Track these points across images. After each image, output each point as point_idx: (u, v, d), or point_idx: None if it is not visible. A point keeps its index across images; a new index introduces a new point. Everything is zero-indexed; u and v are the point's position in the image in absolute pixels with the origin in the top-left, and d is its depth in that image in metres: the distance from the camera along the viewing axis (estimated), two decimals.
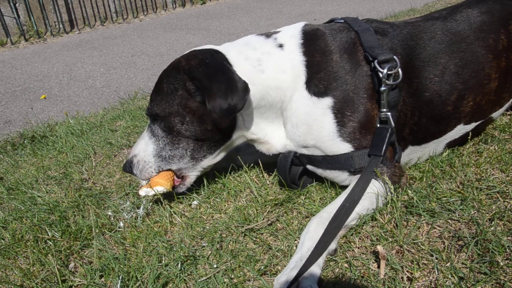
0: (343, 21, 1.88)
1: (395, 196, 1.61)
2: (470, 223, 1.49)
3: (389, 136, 1.62)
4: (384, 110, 1.65)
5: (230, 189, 1.93)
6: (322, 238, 1.36)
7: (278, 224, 1.67)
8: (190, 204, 1.88)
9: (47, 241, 1.73)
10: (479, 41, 1.85)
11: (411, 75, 1.74)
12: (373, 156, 1.63)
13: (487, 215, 1.50)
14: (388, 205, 1.59)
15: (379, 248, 1.36)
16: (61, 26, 8.03)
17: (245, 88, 1.57)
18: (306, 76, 1.70)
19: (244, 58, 1.71)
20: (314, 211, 1.68)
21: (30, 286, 1.51)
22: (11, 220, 1.94)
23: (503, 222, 1.46)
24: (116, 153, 2.63)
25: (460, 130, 1.90)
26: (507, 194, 1.60)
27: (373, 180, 1.60)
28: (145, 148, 1.80)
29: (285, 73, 1.70)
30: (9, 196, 2.23)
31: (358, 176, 1.66)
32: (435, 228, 1.50)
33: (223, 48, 1.77)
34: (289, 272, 1.32)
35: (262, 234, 1.62)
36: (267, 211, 1.72)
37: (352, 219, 1.52)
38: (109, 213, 1.90)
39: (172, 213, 1.81)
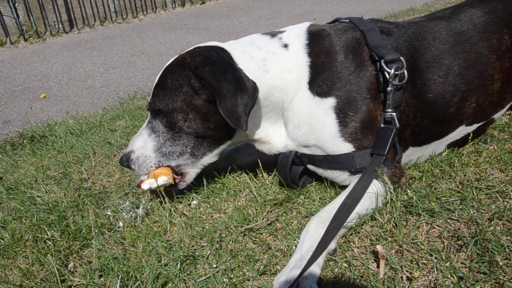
0: (348, 20, 1.88)
1: (395, 196, 1.61)
2: (469, 222, 1.49)
3: (393, 136, 1.63)
4: (389, 110, 1.65)
5: (229, 189, 1.93)
6: (323, 237, 1.36)
7: (278, 224, 1.67)
8: (190, 204, 1.88)
9: (47, 241, 1.73)
10: (483, 42, 1.85)
11: (415, 76, 1.73)
12: (376, 155, 1.63)
13: (487, 214, 1.50)
14: (388, 205, 1.59)
15: (379, 247, 1.36)
16: (60, 26, 8.02)
17: (254, 88, 1.57)
18: (310, 77, 1.69)
19: (249, 57, 1.70)
20: (314, 211, 1.68)
21: (30, 286, 1.51)
22: (10, 220, 1.93)
23: (502, 221, 1.47)
24: (116, 153, 2.63)
25: (461, 131, 1.90)
26: (507, 193, 1.60)
27: (373, 180, 1.60)
28: (143, 145, 1.79)
29: (290, 73, 1.69)
30: (8, 196, 2.23)
31: (358, 176, 1.66)
32: (434, 227, 1.50)
33: (228, 46, 1.75)
34: (289, 271, 1.32)
35: (261, 234, 1.62)
36: (266, 211, 1.72)
37: (352, 219, 1.52)
38: (109, 213, 1.90)
39: (172, 212, 1.81)
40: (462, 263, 1.33)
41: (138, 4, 9.10)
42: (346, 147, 1.67)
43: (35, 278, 1.53)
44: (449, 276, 1.28)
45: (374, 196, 1.58)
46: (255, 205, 1.77)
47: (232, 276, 1.42)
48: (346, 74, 1.68)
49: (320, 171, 1.78)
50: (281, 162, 1.80)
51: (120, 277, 1.45)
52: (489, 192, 1.63)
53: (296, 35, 1.78)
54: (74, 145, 2.87)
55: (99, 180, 2.28)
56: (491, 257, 1.30)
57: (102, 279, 1.50)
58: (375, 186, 1.60)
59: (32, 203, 2.08)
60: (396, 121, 1.64)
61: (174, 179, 1.82)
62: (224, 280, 1.41)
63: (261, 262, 1.47)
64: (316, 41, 1.75)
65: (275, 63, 1.70)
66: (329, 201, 1.70)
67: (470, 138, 1.93)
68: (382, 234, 1.49)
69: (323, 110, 1.67)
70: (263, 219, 1.67)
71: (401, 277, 1.31)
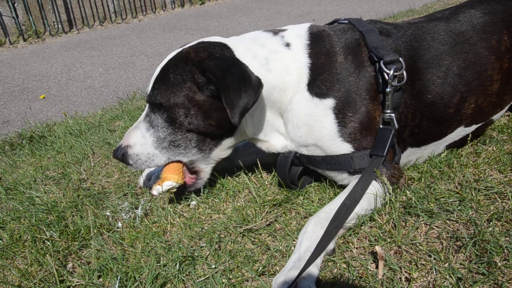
0: (347, 21, 1.88)
1: (394, 197, 1.61)
2: (468, 223, 1.49)
3: (392, 137, 1.63)
4: (388, 111, 1.65)
5: (228, 189, 1.93)
6: (322, 238, 1.36)
7: (277, 225, 1.67)
8: (189, 205, 1.88)
9: (45, 241, 1.73)
10: (482, 42, 1.85)
11: (414, 77, 1.74)
12: (375, 156, 1.63)
13: (485, 215, 1.50)
14: (387, 206, 1.59)
15: (378, 248, 1.36)
16: (59, 26, 8.02)
17: (259, 83, 1.56)
18: (309, 78, 1.69)
19: (252, 55, 1.70)
20: (313, 211, 1.68)
21: (28, 286, 1.50)
22: (9, 220, 1.93)
23: (501, 222, 1.47)
24: None
25: (460, 132, 1.90)
26: (505, 194, 1.60)
27: (372, 181, 1.60)
28: (142, 141, 1.75)
29: (290, 74, 1.69)
30: (7, 196, 2.23)
31: (357, 176, 1.66)
32: (433, 228, 1.50)
33: (232, 43, 1.74)
34: (287, 272, 1.32)
35: (260, 234, 1.62)
36: (265, 211, 1.72)
37: (350, 219, 1.52)
38: (108, 213, 1.90)
39: (171, 213, 1.81)
40: (460, 264, 1.33)
41: (137, 5, 9.10)
42: (345, 148, 1.67)
43: (33, 278, 1.53)
44: (447, 277, 1.28)
45: (373, 197, 1.58)
46: (254, 206, 1.77)
47: (231, 276, 1.42)
48: (346, 75, 1.69)
49: (319, 170, 1.79)
50: (280, 163, 1.80)
51: (119, 278, 1.45)
52: (488, 193, 1.63)
53: (297, 34, 1.78)
54: (73, 146, 2.87)
55: (98, 181, 2.28)
56: (489, 258, 1.30)
57: (101, 279, 1.50)
58: (374, 187, 1.60)
59: (31, 203, 2.08)
60: (395, 122, 1.64)
61: (185, 177, 1.80)
62: (223, 280, 1.41)
63: (260, 263, 1.47)
64: (317, 41, 1.75)
65: (277, 63, 1.70)
66: (328, 202, 1.70)
67: (469, 139, 1.93)
68: (381, 234, 1.49)
69: (322, 110, 1.67)
70: (262, 219, 1.67)
71: (400, 278, 1.31)
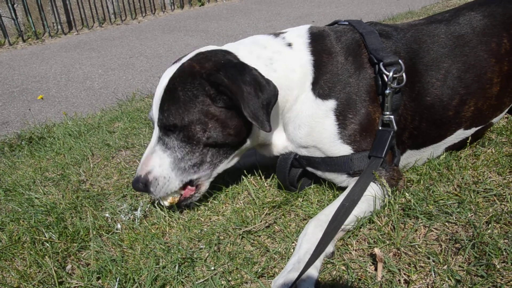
0: (347, 23, 1.89)
1: (393, 199, 1.62)
2: (467, 226, 1.49)
3: (391, 139, 1.63)
4: (388, 113, 1.66)
5: (227, 191, 1.93)
6: (321, 240, 1.36)
7: (276, 227, 1.67)
8: (188, 206, 1.88)
9: (44, 242, 1.73)
10: (482, 45, 1.85)
11: (413, 79, 1.74)
12: (374, 157, 1.63)
13: (484, 218, 1.50)
14: (386, 208, 1.60)
15: (377, 250, 1.36)
16: (59, 27, 8.02)
17: (274, 87, 1.56)
18: (313, 77, 1.70)
19: (256, 57, 1.69)
20: (312, 213, 1.68)
21: None
22: (8, 222, 1.93)
23: (500, 225, 1.47)
24: (114, 154, 2.63)
25: (460, 135, 1.91)
26: (504, 197, 1.61)
27: (371, 183, 1.60)
28: (160, 163, 1.68)
29: (295, 72, 1.69)
30: (6, 198, 2.23)
31: (356, 178, 1.66)
32: (432, 231, 1.51)
33: (231, 48, 1.73)
34: (287, 274, 1.32)
35: (259, 236, 1.62)
36: (264, 213, 1.73)
37: (350, 221, 1.52)
38: (107, 214, 1.90)
39: (170, 215, 1.81)
40: (459, 266, 1.33)
41: (137, 6, 9.11)
42: (344, 149, 1.67)
43: (32, 280, 1.53)
44: (446, 279, 1.28)
45: (372, 199, 1.59)
46: (253, 208, 1.77)
47: (230, 278, 1.42)
48: (346, 76, 1.69)
49: (319, 173, 1.79)
50: (280, 165, 1.80)
51: (118, 280, 1.45)
52: (487, 195, 1.63)
53: (298, 34, 1.79)
54: (73, 147, 2.87)
55: (97, 182, 2.28)
56: (488, 260, 1.31)
57: (100, 281, 1.50)
58: (373, 189, 1.60)
59: (30, 204, 2.08)
60: (394, 124, 1.65)
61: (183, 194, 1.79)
62: (222, 282, 1.41)
63: (259, 265, 1.47)
64: (318, 40, 1.76)
65: (281, 62, 1.70)
66: (327, 204, 1.70)
67: (468, 141, 1.94)
68: (380, 237, 1.49)
69: (323, 112, 1.67)
70: (261, 221, 1.67)
71: (399, 280, 1.32)
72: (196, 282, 1.42)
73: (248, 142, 1.76)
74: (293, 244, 1.55)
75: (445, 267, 1.32)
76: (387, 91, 1.64)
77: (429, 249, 1.41)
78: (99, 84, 5.15)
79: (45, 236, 1.76)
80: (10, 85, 5.37)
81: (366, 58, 1.73)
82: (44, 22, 7.79)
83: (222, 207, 1.85)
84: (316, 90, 1.69)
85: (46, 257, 1.63)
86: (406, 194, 1.66)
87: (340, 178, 1.73)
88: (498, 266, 1.28)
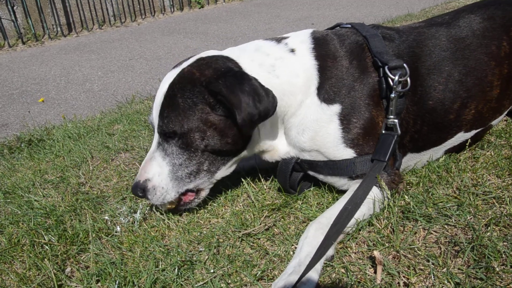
0: (350, 26, 1.88)
1: (392, 202, 1.62)
2: (466, 228, 1.50)
3: (394, 143, 1.63)
4: (392, 117, 1.65)
5: (227, 193, 1.93)
6: (322, 243, 1.36)
7: (275, 229, 1.67)
8: (187, 209, 1.88)
9: (44, 245, 1.73)
10: (482, 48, 1.86)
11: (416, 83, 1.74)
12: (377, 161, 1.63)
13: (483, 220, 1.50)
14: (385, 210, 1.60)
15: (376, 253, 1.36)
16: (59, 29, 8.02)
17: (274, 97, 1.55)
18: (318, 81, 1.69)
19: (258, 65, 1.68)
20: (311, 216, 1.69)
21: None
22: (7, 224, 1.93)
23: (499, 227, 1.47)
24: (114, 157, 2.63)
25: (460, 137, 1.91)
26: (503, 199, 1.61)
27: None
28: (160, 171, 1.69)
29: (298, 77, 1.68)
30: (5, 200, 2.23)
31: (357, 181, 1.67)
32: (431, 233, 1.51)
33: (233, 55, 1.71)
34: (287, 277, 1.32)
35: (259, 239, 1.62)
36: (264, 216, 1.73)
37: (350, 225, 1.52)
38: (106, 217, 1.90)
39: (169, 217, 1.81)
40: (459, 268, 1.33)
41: (136, 8, 9.12)
42: (347, 153, 1.67)
43: (32, 283, 1.53)
44: (446, 281, 1.28)
45: (372, 202, 1.59)
46: (252, 210, 1.77)
47: (229, 281, 1.42)
48: (351, 80, 1.69)
49: (320, 177, 1.78)
50: (281, 169, 1.80)
51: (117, 282, 1.45)
52: (486, 198, 1.64)
53: (301, 40, 1.78)
54: (72, 149, 2.87)
55: (97, 185, 2.28)
56: (487, 263, 1.31)
57: (99, 284, 1.50)
58: (373, 192, 1.60)
59: (30, 207, 2.08)
60: (398, 128, 1.64)
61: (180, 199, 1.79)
62: (222, 285, 1.41)
63: (258, 268, 1.47)
64: (322, 45, 1.75)
65: (283, 68, 1.68)
66: (327, 207, 1.70)
67: (467, 144, 1.94)
68: (379, 239, 1.49)
69: (328, 116, 1.67)
70: (260, 224, 1.67)
71: (398, 283, 1.32)
72: (196, 285, 1.42)
73: (247, 150, 1.76)
74: (293, 246, 1.55)
75: (444, 269, 1.33)
76: (392, 95, 1.63)
77: (428, 252, 1.41)
78: (99, 86, 5.16)
79: (44, 239, 1.76)
80: (10, 87, 5.37)
81: (370, 62, 1.72)
82: (44, 24, 7.80)
83: (222, 210, 1.85)
84: (322, 94, 1.68)
85: (46, 259, 1.63)
86: (406, 196, 1.66)
87: (341, 182, 1.74)
88: (497, 269, 1.28)
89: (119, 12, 8.75)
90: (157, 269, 1.50)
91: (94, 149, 2.80)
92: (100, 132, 3.16)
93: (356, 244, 1.51)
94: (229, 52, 1.75)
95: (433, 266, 1.35)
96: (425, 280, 1.31)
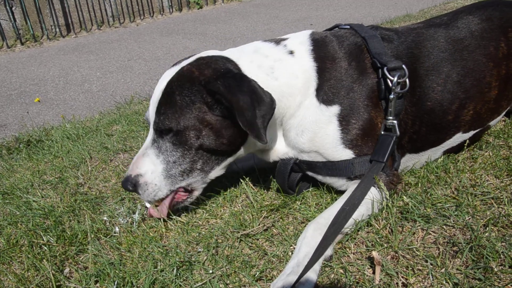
0: (348, 27, 1.89)
1: (391, 202, 1.62)
2: (464, 229, 1.50)
3: (393, 144, 1.63)
4: (391, 118, 1.66)
5: (226, 194, 1.93)
6: (320, 244, 1.37)
7: (274, 230, 1.67)
8: (186, 209, 1.88)
9: (42, 246, 1.73)
10: (480, 49, 1.86)
11: (414, 84, 1.74)
12: (375, 162, 1.63)
13: (482, 221, 1.51)
14: (384, 211, 1.60)
15: (374, 254, 1.36)
16: (57, 30, 8.02)
17: (272, 99, 1.54)
18: (317, 83, 1.69)
19: (257, 66, 1.68)
20: (310, 216, 1.69)
21: None
22: (6, 225, 1.93)
23: (497, 228, 1.47)
24: (112, 157, 2.63)
25: (458, 138, 1.91)
26: (501, 200, 1.61)
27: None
28: (153, 169, 1.68)
29: (297, 78, 1.68)
30: (4, 201, 2.22)
31: (356, 182, 1.67)
32: (430, 234, 1.51)
33: (233, 56, 1.71)
34: (286, 277, 1.32)
35: (257, 239, 1.62)
36: (262, 216, 1.73)
37: (348, 225, 1.52)
38: (105, 218, 1.89)
39: (168, 217, 1.80)
40: (457, 269, 1.33)
41: (135, 9, 9.12)
42: (346, 154, 1.68)
43: (30, 283, 1.53)
44: (444, 282, 1.28)
45: (371, 202, 1.59)
46: (251, 211, 1.77)
47: (228, 282, 1.42)
48: (350, 81, 1.69)
49: (319, 178, 1.79)
50: (280, 169, 1.80)
51: (116, 283, 1.45)
52: (484, 198, 1.64)
53: (300, 41, 1.78)
54: (71, 150, 2.87)
55: (96, 185, 2.28)
56: (486, 264, 1.31)
57: (98, 284, 1.50)
58: (372, 193, 1.60)
59: (28, 208, 2.07)
60: (397, 129, 1.65)
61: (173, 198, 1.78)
62: (220, 286, 1.41)
63: (257, 268, 1.47)
64: (321, 47, 1.76)
65: (282, 70, 1.68)
66: (325, 207, 1.70)
67: (466, 144, 1.94)
68: (378, 240, 1.50)
69: (327, 117, 1.67)
70: (259, 224, 1.67)
71: (397, 283, 1.32)
72: (194, 286, 1.42)
73: (242, 151, 1.75)
74: (291, 247, 1.55)
75: (442, 270, 1.33)
76: (392, 96, 1.64)
77: (426, 252, 1.42)
78: (97, 87, 5.15)
79: (43, 240, 1.76)
80: (8, 88, 5.37)
81: (369, 63, 1.73)
82: (43, 25, 7.79)
83: (220, 210, 1.85)
84: (320, 96, 1.69)
85: (44, 260, 1.62)
86: (404, 197, 1.66)
87: (340, 182, 1.74)
88: (495, 269, 1.28)
89: (117, 12, 8.75)
90: (155, 269, 1.50)
91: (93, 149, 2.80)
92: (99, 133, 3.16)
93: (355, 244, 1.52)
94: (228, 53, 1.75)
95: (431, 266, 1.35)
96: (423, 280, 1.31)
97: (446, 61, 1.81)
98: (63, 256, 1.67)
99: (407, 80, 1.66)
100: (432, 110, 1.78)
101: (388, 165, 1.68)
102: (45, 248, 1.71)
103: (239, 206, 1.85)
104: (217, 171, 1.77)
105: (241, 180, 1.97)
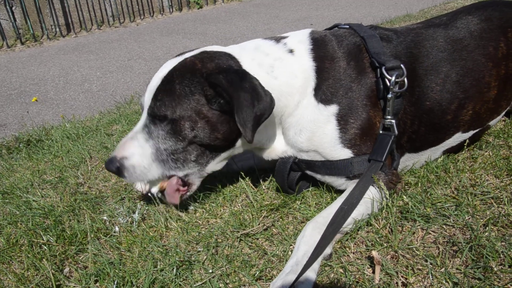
0: (347, 26, 1.89)
1: (390, 202, 1.62)
2: (464, 228, 1.50)
3: (391, 143, 1.63)
4: (389, 117, 1.66)
5: (225, 194, 1.93)
6: (319, 243, 1.37)
7: (274, 229, 1.67)
8: (186, 209, 1.88)
9: (42, 245, 1.73)
10: (480, 49, 1.86)
11: (413, 84, 1.74)
12: (374, 161, 1.64)
13: (482, 220, 1.51)
14: (383, 211, 1.60)
15: (374, 253, 1.36)
16: (57, 29, 8.02)
17: (271, 99, 1.54)
18: (316, 82, 1.69)
19: (257, 64, 1.68)
20: (310, 216, 1.69)
21: None
22: (5, 225, 1.93)
23: (497, 227, 1.47)
24: None
25: (457, 138, 1.91)
26: (501, 199, 1.61)
27: (370, 186, 1.60)
28: (141, 152, 1.65)
29: (296, 77, 1.68)
30: (4, 200, 2.22)
31: (355, 181, 1.67)
32: (429, 233, 1.51)
33: (235, 52, 1.71)
34: (285, 276, 1.32)
35: (257, 239, 1.62)
36: (262, 216, 1.73)
37: (347, 224, 1.52)
38: (105, 217, 1.89)
39: (168, 217, 1.81)
40: (457, 268, 1.33)
41: (135, 8, 9.12)
42: (345, 153, 1.68)
43: (30, 283, 1.53)
44: (444, 281, 1.28)
45: (370, 201, 1.59)
46: (251, 210, 1.77)
47: (228, 281, 1.42)
48: (348, 81, 1.69)
49: (318, 177, 1.79)
50: (279, 168, 1.80)
51: (116, 282, 1.45)
52: (484, 198, 1.64)
53: (299, 40, 1.78)
54: (71, 150, 2.87)
55: (95, 185, 2.28)
56: (486, 263, 1.31)
57: (97, 284, 1.49)
58: (371, 192, 1.61)
59: (28, 207, 2.07)
60: (395, 128, 1.65)
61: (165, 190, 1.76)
62: (220, 285, 1.41)
63: (257, 267, 1.47)
64: (320, 46, 1.76)
65: (282, 69, 1.69)
66: (325, 207, 1.70)
67: (465, 144, 1.94)
68: (378, 239, 1.50)
69: (325, 117, 1.67)
70: (259, 224, 1.67)
71: (397, 283, 1.32)
72: (194, 285, 1.42)
73: (238, 146, 1.74)
74: (291, 246, 1.55)
75: (442, 269, 1.33)
76: (389, 95, 1.64)
77: (426, 252, 1.42)
78: (97, 87, 5.15)
79: (43, 239, 1.76)
80: (8, 87, 5.37)
81: (368, 62, 1.73)
82: (43, 24, 7.79)
83: (220, 210, 1.85)
84: (319, 95, 1.69)
85: (44, 260, 1.62)
86: (404, 197, 1.66)
87: (339, 181, 1.74)
88: (495, 269, 1.28)
89: (117, 12, 8.75)
90: (155, 269, 1.50)
91: (93, 149, 2.80)
92: (99, 133, 3.16)
93: (355, 244, 1.52)
94: (231, 49, 1.75)
95: (431, 266, 1.35)
96: (423, 280, 1.31)
97: (445, 61, 1.81)
98: (63, 256, 1.67)
99: (405, 79, 1.66)
100: (431, 109, 1.78)
101: (387, 164, 1.68)
102: (45, 247, 1.71)
103: (239, 206, 1.85)
104: (213, 165, 1.76)
105: (241, 180, 1.97)
